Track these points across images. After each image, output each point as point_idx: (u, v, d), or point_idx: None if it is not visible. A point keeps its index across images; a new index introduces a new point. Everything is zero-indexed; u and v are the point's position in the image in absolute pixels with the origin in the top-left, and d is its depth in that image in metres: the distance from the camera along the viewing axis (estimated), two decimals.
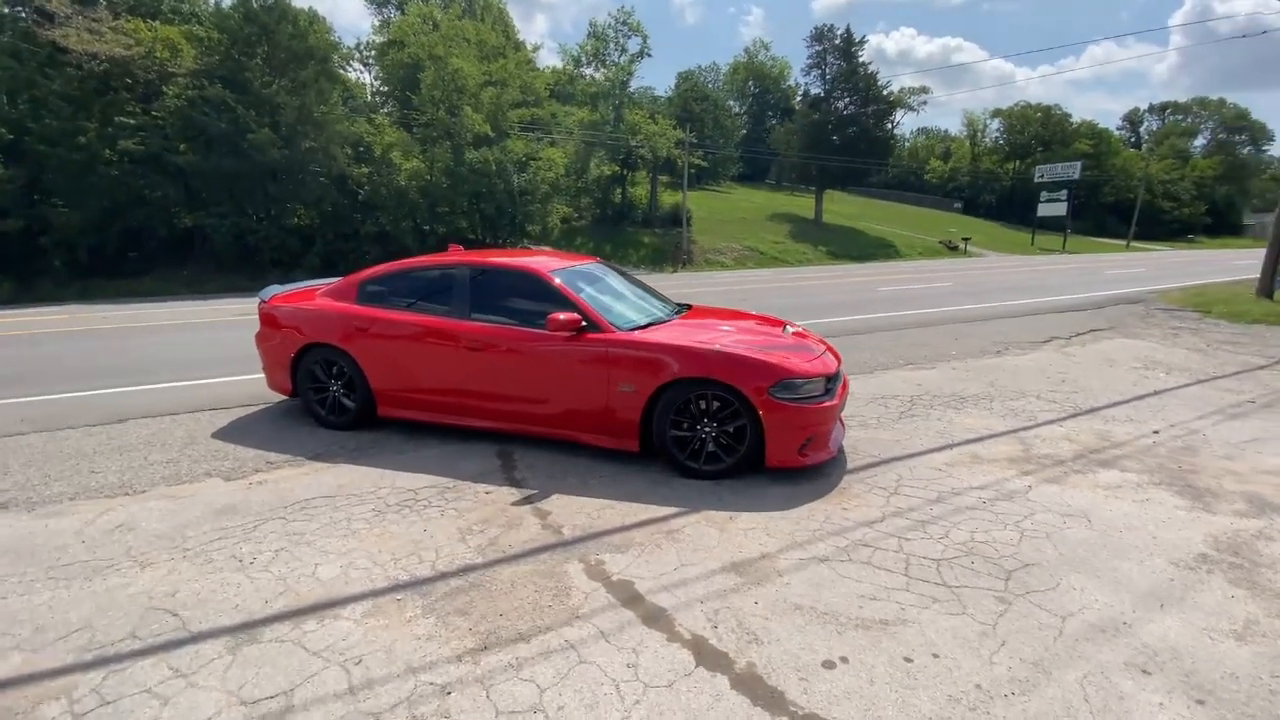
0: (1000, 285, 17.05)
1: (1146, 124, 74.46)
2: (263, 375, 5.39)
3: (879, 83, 40.15)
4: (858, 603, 2.70)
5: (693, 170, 32.97)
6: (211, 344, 9.33)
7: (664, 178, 38.49)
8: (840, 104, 40.53)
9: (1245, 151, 69.20)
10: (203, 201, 20.07)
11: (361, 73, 30.94)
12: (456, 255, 5.19)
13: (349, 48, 28.16)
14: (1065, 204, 45.65)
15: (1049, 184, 46.96)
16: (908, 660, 2.35)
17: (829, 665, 2.32)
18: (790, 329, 4.84)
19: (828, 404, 3.97)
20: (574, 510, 3.57)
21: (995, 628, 2.54)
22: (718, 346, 4.01)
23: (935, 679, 2.25)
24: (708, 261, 30.54)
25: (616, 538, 3.26)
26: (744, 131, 56.43)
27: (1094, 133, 62.65)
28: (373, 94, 30.66)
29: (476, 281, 4.61)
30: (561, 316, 4.01)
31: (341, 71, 25.60)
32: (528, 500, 3.71)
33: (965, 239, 40.59)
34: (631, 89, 32.87)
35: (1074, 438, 4.86)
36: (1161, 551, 3.15)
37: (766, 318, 5.27)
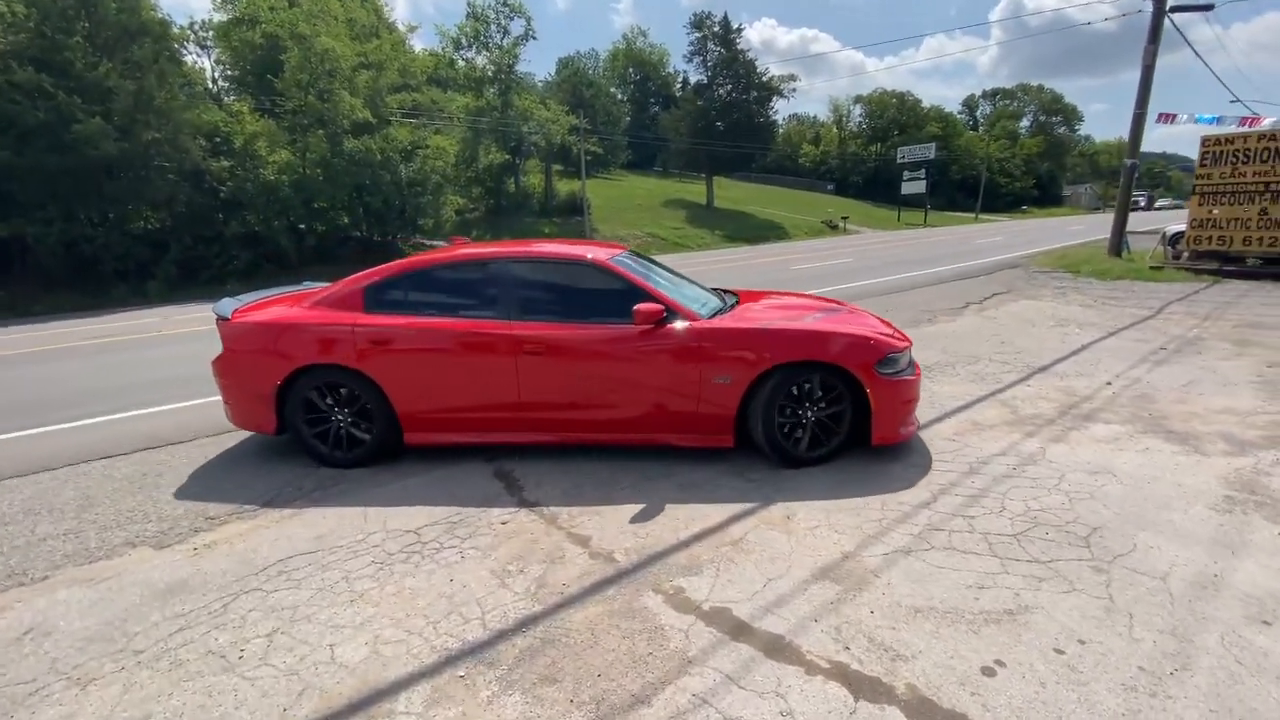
0: (896, 259, 18.18)
1: (981, 108, 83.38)
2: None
3: (757, 70, 41.57)
4: (971, 594, 2.52)
5: (587, 157, 32.38)
6: (69, 376, 7.65)
7: (556, 166, 37.59)
8: (722, 90, 41.54)
9: (1061, 131, 79.58)
10: (20, 206, 16.68)
11: (199, 56, 27.14)
12: (489, 247, 4.40)
13: (182, 26, 24.54)
14: (924, 182, 50.06)
15: (910, 164, 51.23)
16: (1059, 652, 2.19)
17: (989, 672, 2.11)
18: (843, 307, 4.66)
19: (917, 376, 3.95)
20: (614, 530, 3.14)
21: (1114, 600, 2.45)
22: (817, 327, 3.83)
23: (1098, 668, 2.11)
24: None
25: (680, 557, 2.87)
26: (628, 119, 56.46)
27: (941, 117, 69.22)
28: (216, 79, 27.07)
29: (522, 276, 3.96)
30: (648, 308, 3.59)
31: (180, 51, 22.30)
32: (555, 524, 3.22)
33: (844, 218, 43.27)
34: (517, 73, 31.56)
35: (1047, 396, 5.08)
36: (1194, 499, 3.27)
37: (817, 296, 5.02)
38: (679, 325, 3.71)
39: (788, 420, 3.77)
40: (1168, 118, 14.31)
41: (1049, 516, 3.12)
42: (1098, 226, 33.70)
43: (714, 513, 3.27)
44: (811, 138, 74.63)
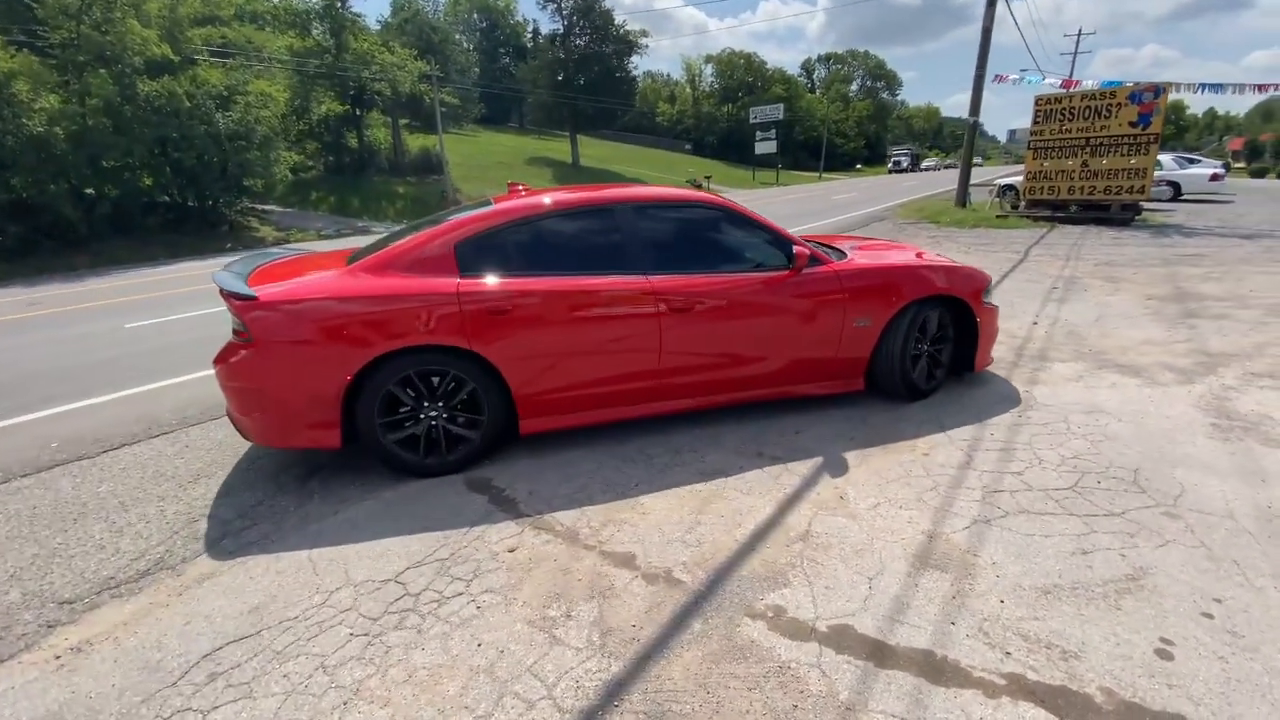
0: (776, 215, 18.64)
1: (817, 71, 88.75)
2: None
3: (614, 21, 40.35)
4: (1081, 563, 2.31)
5: (442, 109, 29.52)
6: None
7: (404, 120, 34.01)
8: (580, 41, 39.90)
9: (884, 96, 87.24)
10: None
11: None
12: (598, 191, 3.52)
13: None
14: (775, 142, 52.39)
15: (761, 124, 53.22)
16: (1208, 616, 2.02)
17: (1165, 655, 1.88)
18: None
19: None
20: (656, 540, 2.56)
21: (1209, 548, 2.37)
22: (939, 262, 3.95)
23: (1257, 628, 1.96)
24: None
25: (754, 565, 2.38)
26: (478, 69, 52.58)
27: (785, 79, 72.60)
28: None
29: (650, 223, 3.45)
30: (804, 250, 3.50)
31: None
32: (578, 542, 2.57)
33: (707, 177, 43.93)
34: (349, 8, 27.58)
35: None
36: (1190, 430, 3.38)
37: (859, 236, 4.70)
38: (823, 268, 3.60)
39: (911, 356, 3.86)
40: (1002, 78, 15.84)
41: (1086, 463, 3.05)
42: (925, 183, 37.65)
43: (758, 504, 2.80)
44: (667, 96, 74.92)
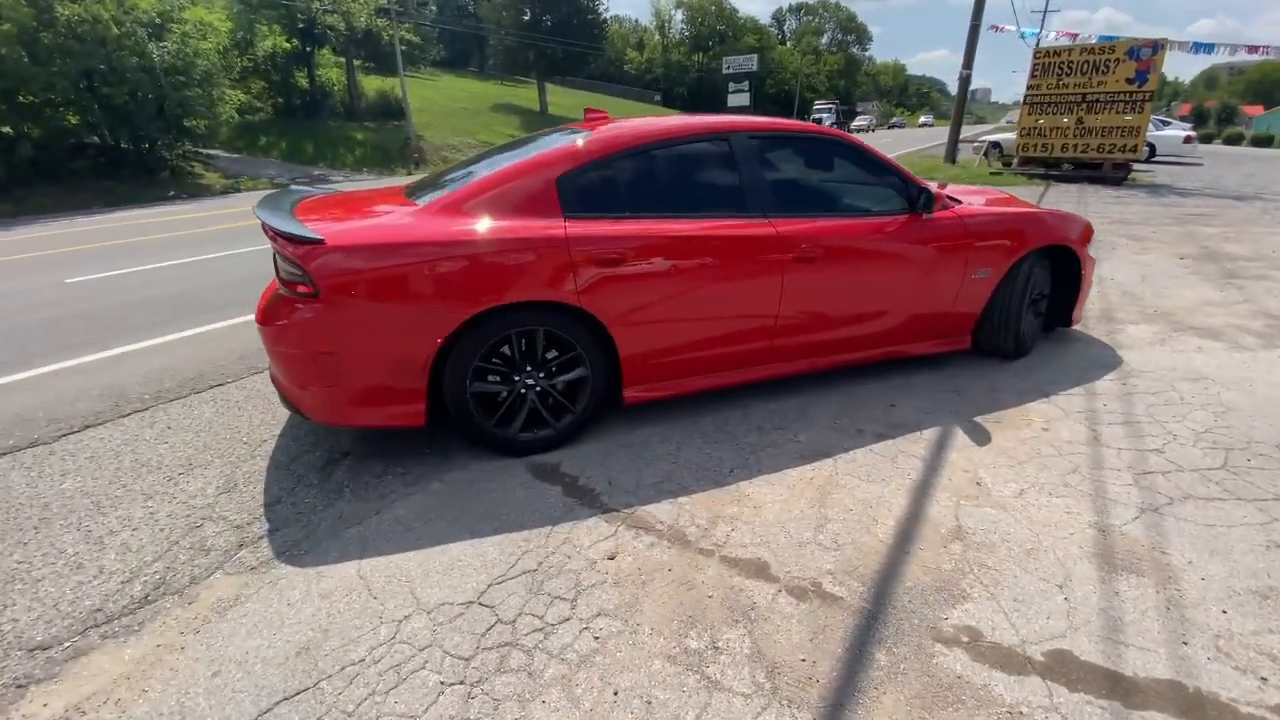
0: None
1: (788, 22, 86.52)
2: None
3: None
4: (1275, 557, 1.99)
5: (402, 47, 27.34)
6: None
7: (358, 60, 31.53)
8: None
9: (854, 50, 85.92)
10: None
11: None
12: (705, 119, 3.01)
13: None
14: (748, 94, 51.07)
15: (734, 75, 51.72)
16: None
17: None
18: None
19: None
20: (786, 544, 2.13)
21: None
22: (1051, 209, 3.63)
23: None
24: (444, 160, 26.54)
25: (915, 573, 1.98)
26: (433, 7, 49.18)
27: (757, 29, 70.49)
28: None
29: (769, 159, 3.07)
30: (941, 192, 3.27)
31: None
32: (688, 544, 2.12)
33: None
34: None
35: None
36: None
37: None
38: (946, 212, 3.23)
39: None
40: (998, 29, 15.39)
41: (1223, 438, 2.74)
42: (903, 140, 37.39)
43: (886, 493, 2.40)
44: (635, 43, 72.00)
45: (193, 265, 6.87)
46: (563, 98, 46.20)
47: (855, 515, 2.26)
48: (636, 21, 77.61)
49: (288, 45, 25.52)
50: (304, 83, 27.34)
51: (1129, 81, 12.39)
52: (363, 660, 1.67)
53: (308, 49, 26.36)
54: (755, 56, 52.16)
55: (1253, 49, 12.40)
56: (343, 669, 1.65)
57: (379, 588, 1.94)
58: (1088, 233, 3.68)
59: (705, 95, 62.95)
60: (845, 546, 2.10)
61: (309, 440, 2.86)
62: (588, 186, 2.62)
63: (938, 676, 1.60)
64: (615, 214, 2.62)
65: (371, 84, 31.83)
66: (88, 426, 3.03)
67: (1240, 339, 3.95)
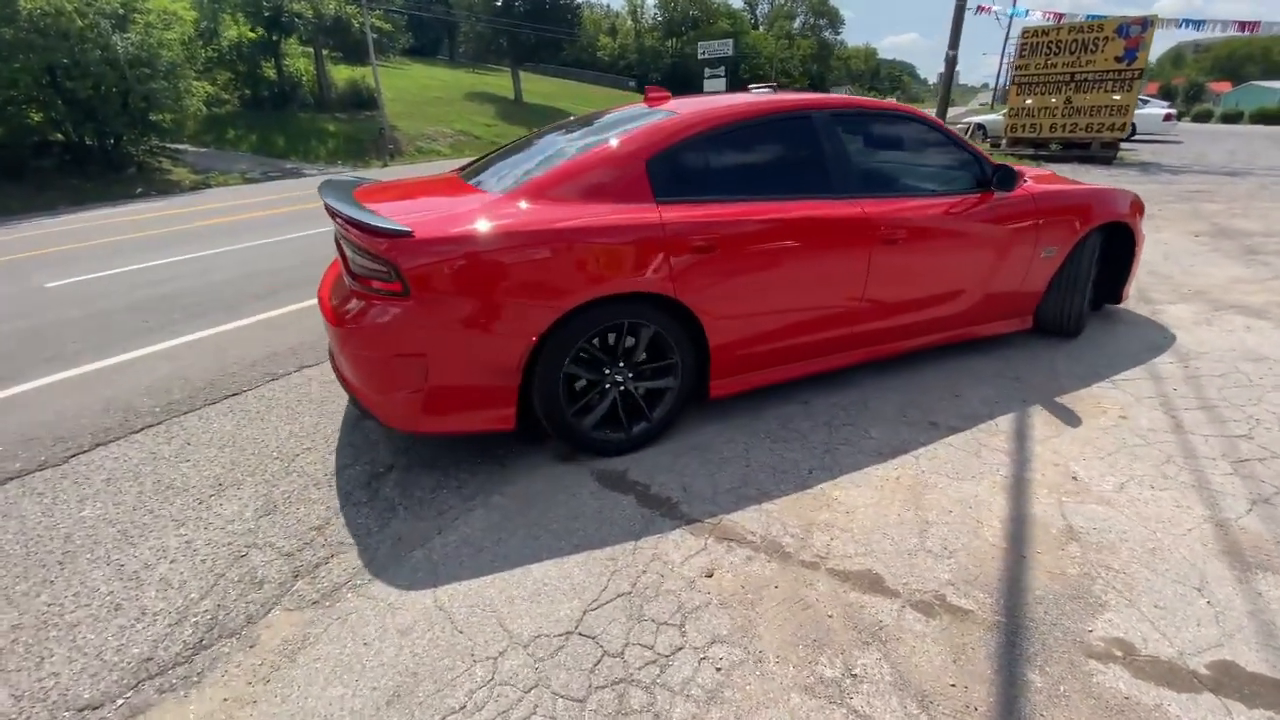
0: None
1: (761, 6, 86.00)
2: None
3: None
4: None
5: (374, 35, 26.46)
6: None
7: (326, 50, 30.54)
8: None
9: (827, 34, 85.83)
10: None
11: None
12: (784, 96, 2.94)
13: None
14: (724, 80, 50.75)
15: (710, 60, 51.33)
16: None
17: None
18: None
19: None
20: (885, 546, 1.99)
21: None
22: (1109, 185, 3.68)
23: None
24: (420, 151, 25.92)
25: (1044, 581, 1.84)
26: None
27: (731, 13, 69.88)
28: None
29: (851, 136, 2.95)
30: (1020, 170, 3.16)
31: None
32: (789, 556, 1.96)
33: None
34: None
35: None
36: None
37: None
38: (1018, 191, 3.14)
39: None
40: (985, 9, 15.36)
41: None
42: None
43: (981, 492, 2.26)
44: (607, 29, 71.05)
45: (175, 265, 6.50)
46: (537, 85, 45.40)
47: (957, 518, 2.12)
48: (608, 7, 76.68)
49: (253, 35, 24.63)
50: (272, 73, 26.38)
51: (1118, 60, 12.43)
52: (464, 708, 1.49)
53: (274, 38, 25.41)
54: (731, 41, 51.60)
55: (1242, 25, 12.50)
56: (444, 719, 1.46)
57: (462, 620, 1.75)
58: (1140, 208, 3.62)
59: (681, 80, 62.33)
60: (957, 553, 1.96)
61: (348, 453, 2.63)
62: (677, 168, 2.48)
63: (1104, 699, 1.47)
64: (705, 197, 2.50)
65: (341, 74, 30.89)
66: (98, 445, 2.76)
67: (1275, 316, 3.90)
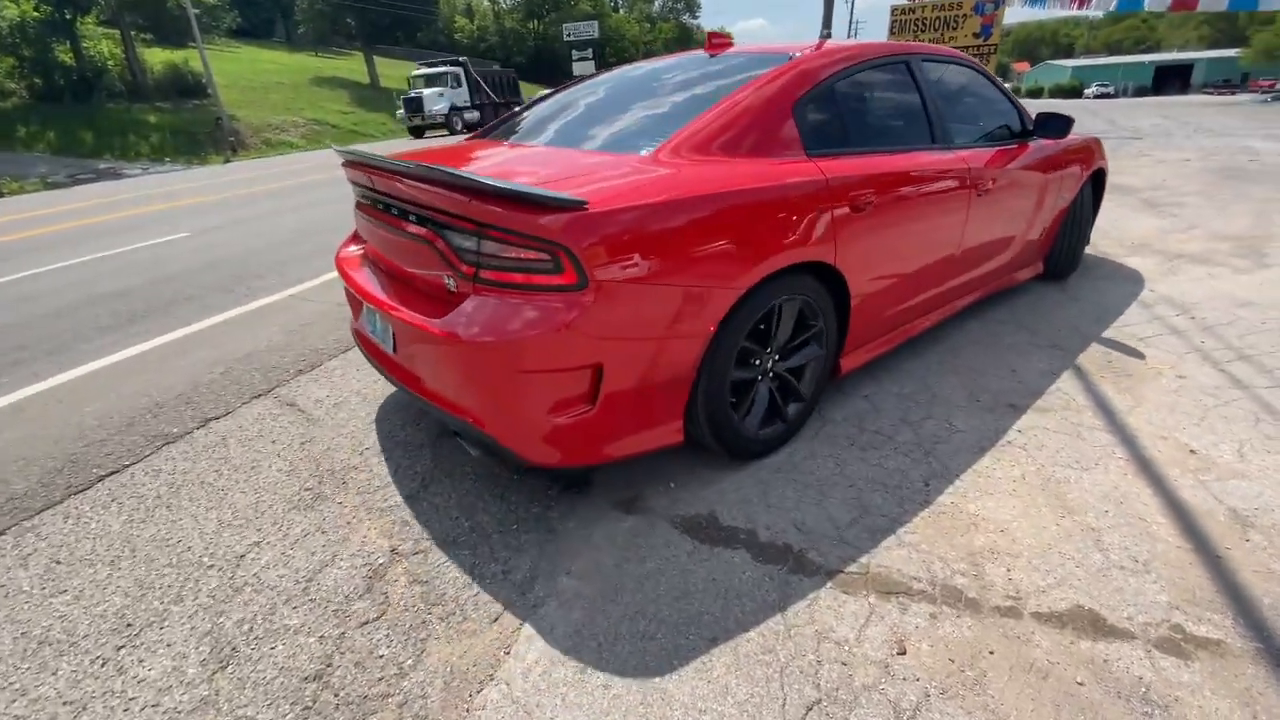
0: None
1: None
2: None
3: None
4: None
5: (196, 10, 22.76)
6: None
7: (137, 32, 26.03)
8: None
9: (685, 18, 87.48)
10: None
11: None
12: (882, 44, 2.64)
13: None
14: (593, 63, 50.02)
15: (577, 43, 50.33)
16: None
17: None
18: None
19: None
20: (1077, 574, 1.64)
21: None
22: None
23: None
24: (268, 144, 22.98)
25: (1267, 585, 1.58)
26: None
27: None
28: None
29: (941, 85, 2.81)
30: (1070, 118, 3.08)
31: None
32: (974, 605, 1.55)
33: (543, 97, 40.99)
34: None
35: None
36: None
37: None
38: (1051, 140, 3.19)
39: None
40: None
41: None
42: None
43: (1112, 480, 2.00)
44: (463, 9, 67.53)
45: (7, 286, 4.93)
46: (393, 69, 42.05)
47: (1118, 519, 1.83)
48: None
49: (38, 14, 20.40)
50: (68, 59, 22.09)
51: (975, 36, 13.39)
52: None
53: (66, 16, 21.25)
54: (595, 23, 50.97)
55: (1082, 3, 13.88)
56: None
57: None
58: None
59: (546, 63, 60.89)
60: (1151, 565, 1.65)
61: (317, 544, 1.87)
62: (818, 116, 2.21)
63: None
64: (845, 149, 2.25)
65: (157, 57, 26.66)
66: (45, 508, 1.77)
67: (1229, 262, 4.11)
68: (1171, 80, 58.21)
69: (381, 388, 2.81)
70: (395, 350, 1.95)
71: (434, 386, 1.82)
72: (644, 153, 1.92)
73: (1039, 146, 3.17)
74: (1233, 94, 41.46)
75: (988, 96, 3.15)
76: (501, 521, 1.91)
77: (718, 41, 2.67)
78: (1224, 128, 14.06)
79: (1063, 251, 3.70)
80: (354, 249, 2.42)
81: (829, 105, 2.26)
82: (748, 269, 1.84)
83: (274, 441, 2.42)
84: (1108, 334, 3.09)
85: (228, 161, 19.79)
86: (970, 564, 1.69)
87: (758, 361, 2.08)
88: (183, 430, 2.54)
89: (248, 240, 6.31)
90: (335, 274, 4.81)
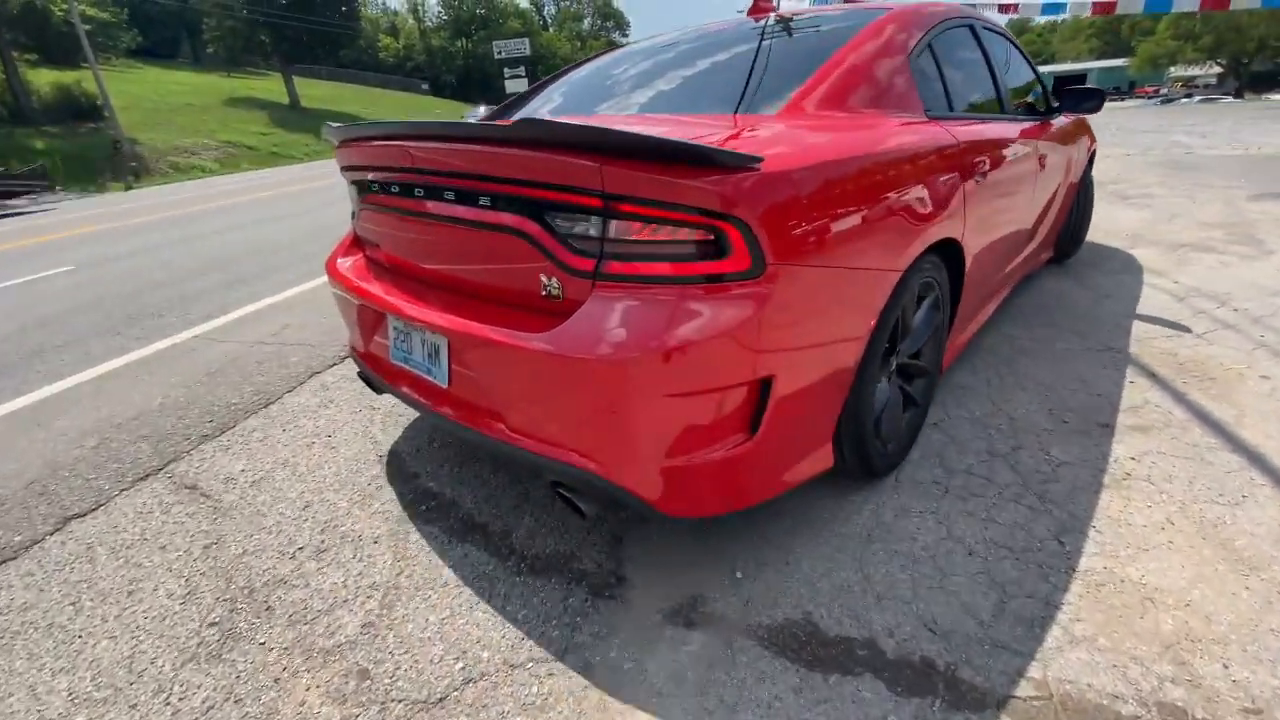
0: None
1: (547, 7, 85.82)
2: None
3: None
4: None
5: (87, 27, 20.80)
6: None
7: (20, 53, 23.67)
8: None
9: (615, 35, 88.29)
10: None
11: None
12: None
13: None
14: (526, 80, 49.50)
15: (509, 60, 49.71)
16: None
17: None
18: None
19: None
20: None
21: None
22: None
23: None
24: (176, 168, 21.23)
25: None
26: None
27: (520, 13, 68.66)
28: None
29: (988, 49, 2.49)
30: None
31: None
32: None
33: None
34: None
35: None
36: None
37: None
38: (1069, 115, 3.13)
39: None
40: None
41: None
42: None
43: (1273, 516, 1.60)
44: (387, 28, 65.85)
45: None
46: (314, 89, 40.24)
47: None
48: (385, 4, 71.06)
49: None
50: None
51: None
52: None
53: None
54: (526, 40, 50.56)
55: (1004, 8, 14.33)
56: None
57: None
58: None
59: (477, 82, 59.93)
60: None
61: (190, 716, 1.22)
62: (928, 74, 1.97)
63: None
64: (950, 113, 2.03)
65: (43, 78, 24.37)
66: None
67: (1233, 250, 3.95)
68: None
69: (320, 452, 2.15)
70: (451, 381, 1.43)
71: (522, 424, 1.34)
72: (768, 111, 1.59)
73: (1060, 121, 3.04)
74: (1122, 100, 44.89)
75: (1023, 67, 2.95)
76: (509, 658, 1.32)
77: (763, 5, 2.34)
78: (1142, 126, 14.85)
79: (1070, 231, 3.61)
80: (351, 260, 1.88)
81: (932, 63, 2.03)
82: (909, 244, 1.55)
83: (163, 547, 1.74)
84: (1158, 332, 2.77)
85: (129, 188, 18.09)
86: (1174, 663, 1.23)
87: (890, 361, 1.76)
88: (28, 539, 1.81)
89: (147, 272, 5.40)
90: (254, 307, 4.07)
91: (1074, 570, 1.47)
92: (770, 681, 1.23)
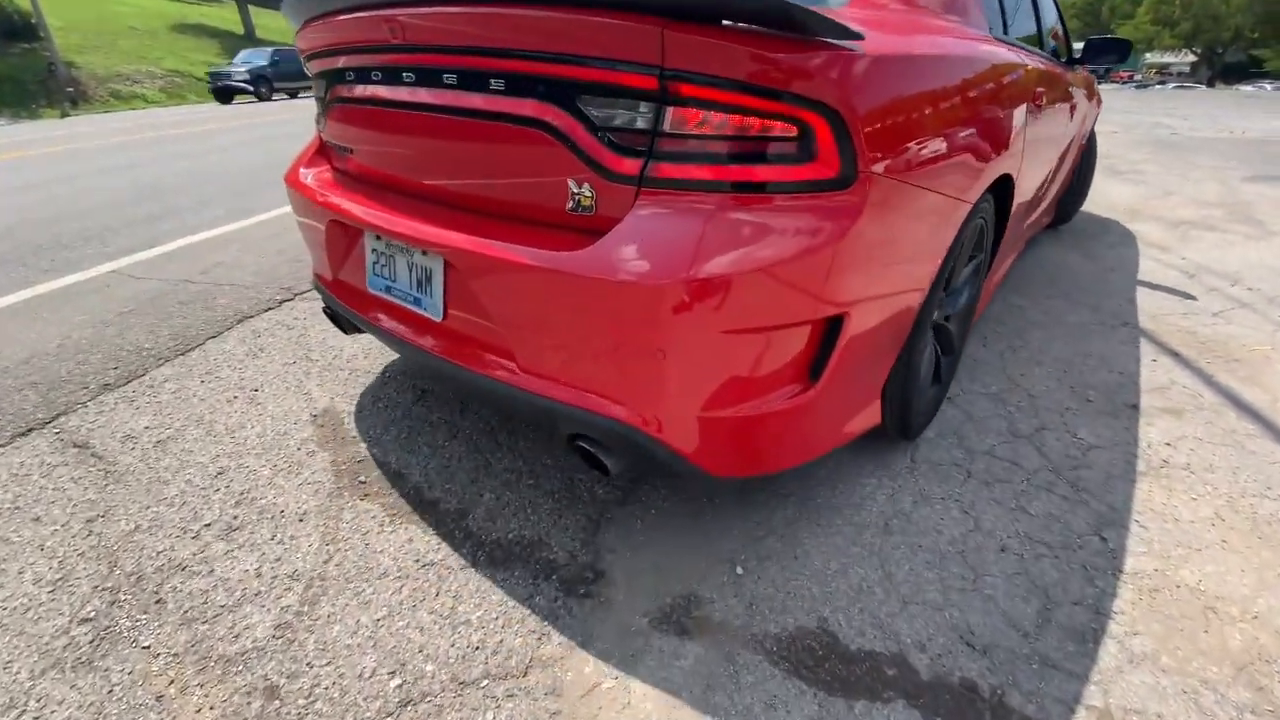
0: None
1: None
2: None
3: None
4: None
5: None
6: None
7: None
8: None
9: None
10: None
11: None
12: None
13: None
14: None
15: None
16: None
17: None
18: None
19: None
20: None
21: None
22: None
23: None
24: (117, 96, 19.63)
25: None
26: None
27: None
28: None
29: None
30: None
31: None
32: None
33: None
34: None
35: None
36: None
37: None
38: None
39: None
40: None
41: None
42: None
43: None
44: None
45: None
46: (270, 19, 37.57)
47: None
48: None
49: None
50: None
51: None
52: None
53: None
54: None
55: None
56: None
57: None
58: None
59: None
60: None
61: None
62: None
63: None
64: (1008, 38, 1.83)
65: None
66: None
67: (1234, 229, 3.82)
68: None
69: (242, 409, 1.83)
70: (446, 313, 1.15)
71: (536, 364, 1.07)
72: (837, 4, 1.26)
73: (1079, 71, 2.90)
74: (1098, 83, 45.22)
75: (1052, 9, 2.77)
76: (458, 673, 1.06)
77: None
78: (1124, 108, 14.81)
79: (1078, 193, 3.53)
80: (316, 171, 1.55)
81: None
82: (982, 171, 1.33)
83: (37, 519, 1.42)
84: (1171, 307, 2.61)
85: (65, 115, 16.66)
86: (1251, 688, 1.04)
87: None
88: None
89: (69, 200, 4.82)
90: (184, 241, 3.62)
91: (1121, 572, 1.28)
92: (783, 709, 1.00)
